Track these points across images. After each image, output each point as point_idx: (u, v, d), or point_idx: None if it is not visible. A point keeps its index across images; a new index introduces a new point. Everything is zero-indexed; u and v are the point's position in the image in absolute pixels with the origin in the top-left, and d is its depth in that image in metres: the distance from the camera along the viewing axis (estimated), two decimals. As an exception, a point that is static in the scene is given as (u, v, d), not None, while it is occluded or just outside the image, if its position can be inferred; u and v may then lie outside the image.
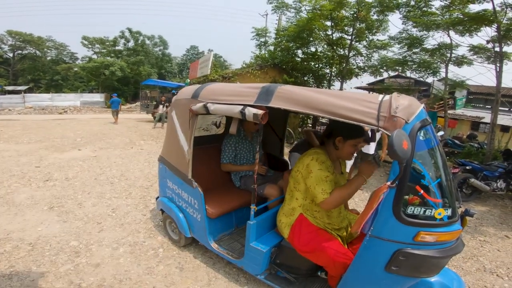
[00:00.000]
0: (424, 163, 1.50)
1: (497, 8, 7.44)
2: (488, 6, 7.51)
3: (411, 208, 1.46)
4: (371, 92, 21.33)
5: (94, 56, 34.13)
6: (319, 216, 1.94)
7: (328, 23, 10.36)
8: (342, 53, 11.00)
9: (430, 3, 8.82)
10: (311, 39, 10.65)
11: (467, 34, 8.44)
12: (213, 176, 2.89)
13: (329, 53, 11.13)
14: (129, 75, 31.27)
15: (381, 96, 1.50)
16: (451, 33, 8.74)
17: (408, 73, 11.25)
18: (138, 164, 5.93)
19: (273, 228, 2.30)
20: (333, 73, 11.59)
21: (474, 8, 8.13)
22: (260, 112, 1.73)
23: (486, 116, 15.65)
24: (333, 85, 11.80)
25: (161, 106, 11.83)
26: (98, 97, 26.25)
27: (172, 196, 2.80)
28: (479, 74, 28.06)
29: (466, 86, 10.45)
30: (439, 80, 11.66)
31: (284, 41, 11.25)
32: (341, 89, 11.07)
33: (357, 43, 10.83)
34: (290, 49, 11.31)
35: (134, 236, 3.07)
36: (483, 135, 13.38)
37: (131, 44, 35.02)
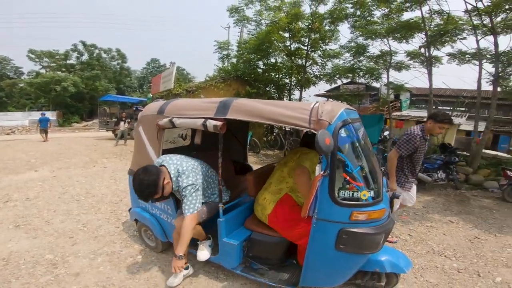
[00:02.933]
0: (346, 154, 1.89)
1: (426, 15, 8.57)
2: (419, 13, 8.57)
3: (342, 192, 1.84)
4: (328, 99, 22.74)
5: (43, 71, 31.81)
6: (302, 197, 2.29)
7: (286, 35, 11.04)
8: (300, 63, 11.72)
9: (373, 12, 9.82)
10: (271, 50, 11.23)
11: (404, 41, 9.47)
12: None
13: (288, 63, 11.80)
14: (84, 91, 29.55)
15: (313, 103, 1.89)
16: (391, 40, 9.70)
17: (359, 80, 12.31)
18: (103, 181, 5.82)
19: (242, 225, 2.58)
20: (292, 83, 12.28)
21: (408, 16, 9.28)
22: (219, 123, 2.05)
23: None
24: (293, 94, 12.48)
25: (122, 123, 11.55)
26: (49, 115, 24.42)
27: (145, 205, 2.96)
28: (416, 78, 31.42)
29: (406, 89, 11.69)
30: (385, 85, 12.98)
31: (245, 54, 11.71)
32: (300, 97, 11.77)
33: (313, 53, 11.62)
34: (252, 61, 11.79)
35: (110, 246, 3.14)
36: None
37: (84, 57, 33.31)
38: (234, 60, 12.78)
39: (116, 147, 10.88)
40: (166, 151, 3.42)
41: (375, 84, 12.66)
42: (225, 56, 12.74)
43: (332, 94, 15.40)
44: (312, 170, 2.17)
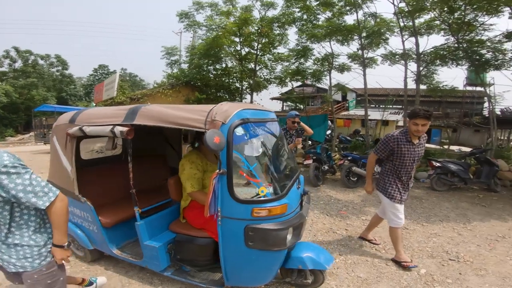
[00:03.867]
0: (243, 152, 1.96)
1: (362, 18, 9.22)
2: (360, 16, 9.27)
3: (241, 189, 1.89)
4: (282, 102, 23.40)
5: (-33, 80, 27.93)
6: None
7: (237, 39, 11.14)
8: (251, 67, 11.92)
9: (318, 16, 10.31)
10: (222, 55, 11.27)
11: (345, 43, 10.09)
12: (109, 191, 3.04)
13: (239, 68, 11.92)
14: (18, 101, 26.50)
15: (213, 106, 1.93)
16: (333, 43, 10.28)
17: (307, 81, 12.87)
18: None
19: (167, 228, 2.55)
20: (244, 87, 12.43)
21: (348, 18, 9.99)
22: (125, 129, 2.00)
23: (372, 114, 18.96)
24: (245, 98, 12.62)
25: None
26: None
27: None
28: (355, 79, 34.27)
29: (349, 89, 12.57)
30: (333, 86, 13.78)
31: (195, 59, 11.59)
32: (251, 100, 11.95)
33: (263, 57, 11.89)
34: (202, 66, 11.70)
35: None
36: (371, 130, 16.24)
37: (18, 64, 29.95)
38: (185, 66, 12.57)
39: (54, 162, 9.87)
40: (93, 161, 3.39)
41: (325, 86, 13.39)
42: (174, 62, 12.45)
43: (283, 97, 15.90)
44: (182, 171, 2.26)
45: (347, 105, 22.03)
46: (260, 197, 1.90)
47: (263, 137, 2.13)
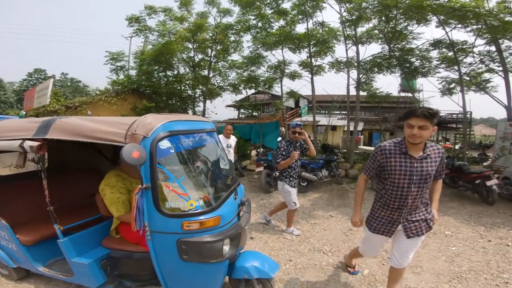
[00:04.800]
0: (167, 165, 1.87)
1: (312, 27, 9.62)
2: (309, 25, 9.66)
3: (168, 203, 1.84)
4: (237, 110, 23.49)
5: None
6: None
7: (190, 46, 10.85)
8: (204, 74, 11.68)
9: (272, 24, 10.50)
10: (174, 61, 10.89)
11: (296, 51, 10.42)
12: (29, 208, 2.86)
13: (191, 74, 11.63)
14: None
15: (135, 118, 1.84)
16: (285, 51, 10.55)
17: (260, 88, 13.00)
18: None
19: (100, 244, 2.38)
20: (196, 94, 12.17)
21: (300, 27, 10.44)
22: (36, 144, 1.81)
23: (322, 120, 20.07)
24: (198, 106, 12.36)
25: None
26: None
27: None
28: (304, 86, 35.97)
29: (298, 95, 13.05)
30: (286, 93, 14.18)
31: (144, 65, 11.05)
32: (204, 108, 11.74)
33: (217, 64, 11.73)
34: (152, 73, 11.18)
35: None
36: (320, 135, 17.14)
37: None
38: (133, 72, 11.88)
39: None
40: (11, 177, 3.14)
41: (279, 94, 13.69)
42: (120, 67, 11.69)
43: (237, 105, 15.97)
44: (104, 196, 2.17)
45: (300, 111, 23.01)
46: (189, 211, 1.84)
47: (193, 149, 2.08)
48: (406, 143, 1.96)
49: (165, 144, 1.82)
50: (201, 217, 1.84)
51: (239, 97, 13.99)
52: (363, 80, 10.00)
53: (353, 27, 9.10)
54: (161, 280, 1.96)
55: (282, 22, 10.33)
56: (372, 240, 2.36)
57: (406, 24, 8.53)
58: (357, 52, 9.16)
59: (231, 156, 5.35)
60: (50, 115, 8.64)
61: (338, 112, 21.17)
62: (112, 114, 9.53)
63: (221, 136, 5.10)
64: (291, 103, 19.74)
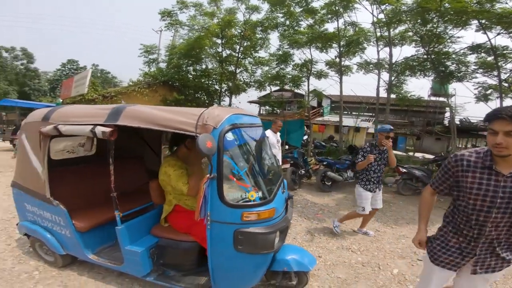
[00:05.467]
0: (233, 157, 1.97)
1: (342, 26, 9.52)
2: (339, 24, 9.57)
3: (231, 194, 1.91)
4: (259, 106, 23.56)
5: None
6: (190, 203, 2.34)
7: (219, 41, 11.02)
8: (231, 69, 11.83)
9: (300, 23, 10.49)
10: (203, 56, 11.09)
11: (324, 50, 10.35)
12: (83, 194, 2.89)
13: (219, 69, 11.78)
14: (-26, 95, 24.34)
15: (203, 109, 1.92)
16: (313, 50, 10.49)
17: (286, 87, 13.04)
18: (-6, 198, 4.88)
19: (149, 232, 2.48)
20: (223, 89, 12.34)
21: (329, 26, 10.19)
22: (108, 129, 1.93)
23: (345, 121, 19.68)
24: (223, 101, 12.54)
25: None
26: None
27: (34, 219, 2.71)
28: (331, 86, 35.11)
29: (323, 95, 12.94)
30: (311, 92, 14.12)
31: (175, 59, 11.31)
32: (230, 103, 11.91)
33: (244, 60, 11.85)
34: (182, 66, 11.44)
35: (0, 264, 2.74)
36: (344, 136, 16.90)
37: (-23, 57, 27.51)
38: (163, 65, 12.21)
39: (15, 159, 9.13)
40: (64, 161, 3.18)
41: (302, 92, 13.67)
42: (152, 60, 12.07)
43: (262, 101, 16.04)
44: (169, 177, 2.22)
45: (321, 111, 22.71)
46: (249, 202, 1.92)
47: (251, 142, 2.16)
48: (494, 155, 1.45)
49: (230, 136, 1.91)
50: (260, 209, 1.92)
51: (263, 93, 14.07)
52: (394, 82, 9.74)
53: (385, 28, 8.87)
54: (210, 270, 2.03)
55: (310, 21, 10.24)
56: (434, 277, 1.75)
57: (444, 27, 8.20)
58: (390, 54, 8.92)
59: (278, 152, 5.28)
60: (88, 103, 9.13)
61: (363, 113, 20.68)
62: (144, 104, 9.67)
63: (269, 131, 5.07)
64: (313, 102, 19.57)
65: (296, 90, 13.35)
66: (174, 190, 2.30)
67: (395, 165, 3.87)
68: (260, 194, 1.99)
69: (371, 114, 19.95)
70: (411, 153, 11.94)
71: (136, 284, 2.54)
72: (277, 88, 14.23)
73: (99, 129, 1.96)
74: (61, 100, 11.90)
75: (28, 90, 31.65)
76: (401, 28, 9.07)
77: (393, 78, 9.38)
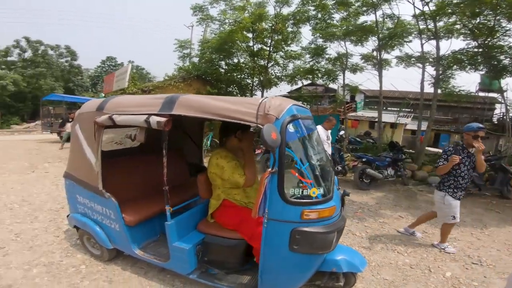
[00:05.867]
0: (295, 150, 1.82)
1: (380, 19, 9.10)
2: (375, 17, 9.12)
3: (292, 190, 1.78)
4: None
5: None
6: (239, 197, 2.28)
7: (250, 35, 10.98)
8: (262, 63, 11.76)
9: (333, 16, 10.17)
10: (234, 50, 11.10)
11: (359, 43, 9.96)
12: (130, 186, 2.89)
13: (250, 63, 11.76)
14: (25, 90, 26.51)
15: (261, 98, 1.83)
16: (347, 43, 10.17)
17: (318, 81, 12.74)
18: (43, 188, 5.25)
19: (195, 228, 2.43)
20: (254, 83, 12.29)
21: (364, 19, 9.77)
22: (163, 119, 1.89)
23: (383, 116, 18.71)
24: (255, 95, 12.49)
25: (68, 124, 10.58)
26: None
27: (84, 211, 2.74)
28: (369, 80, 33.46)
29: (359, 90, 12.39)
30: (342, 87, 13.62)
31: (207, 53, 11.44)
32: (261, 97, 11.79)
33: (275, 54, 11.70)
34: (214, 60, 11.54)
35: (48, 257, 2.85)
36: (375, 132, 16.08)
37: (28, 54, 29.90)
38: (196, 60, 12.44)
39: (62, 151, 9.90)
40: (111, 152, 3.24)
41: (333, 86, 13.28)
42: (186, 55, 12.33)
43: (293, 95, 15.75)
44: (222, 169, 2.15)
45: (354, 106, 21.81)
46: (311, 199, 1.80)
47: (308, 135, 2.04)
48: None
49: (292, 127, 1.79)
50: (321, 206, 1.80)
51: (294, 88, 13.86)
52: (441, 77, 8.99)
53: (429, 21, 8.20)
54: (260, 269, 1.95)
55: (343, 14, 9.84)
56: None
57: (497, 20, 7.41)
58: (437, 47, 8.21)
59: (329, 148, 5.18)
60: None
61: (398, 109, 19.64)
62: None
63: (320, 127, 4.95)
64: (346, 97, 18.87)
65: (327, 85, 12.98)
66: (225, 183, 2.23)
67: (483, 171, 3.49)
68: (321, 191, 1.86)
69: (409, 110, 18.79)
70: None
71: (178, 280, 2.52)
72: (309, 82, 13.96)
73: (153, 119, 1.94)
74: (104, 95, 12.62)
75: (72, 86, 34.02)
76: (447, 20, 8.34)
77: (440, 72, 8.66)
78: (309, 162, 1.94)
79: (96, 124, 2.30)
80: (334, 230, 1.85)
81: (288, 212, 1.76)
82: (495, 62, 8.24)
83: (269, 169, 1.67)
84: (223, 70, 11.94)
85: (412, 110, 18.86)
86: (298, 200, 1.79)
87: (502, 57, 8.20)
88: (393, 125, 13.75)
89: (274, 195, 1.73)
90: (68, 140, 10.51)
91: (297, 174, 1.80)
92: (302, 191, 1.80)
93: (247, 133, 2.23)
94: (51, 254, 2.90)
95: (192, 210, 2.49)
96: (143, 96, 2.44)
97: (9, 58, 29.61)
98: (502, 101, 9.39)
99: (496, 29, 7.55)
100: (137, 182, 2.97)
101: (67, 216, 3.00)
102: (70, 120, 10.72)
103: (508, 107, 9.32)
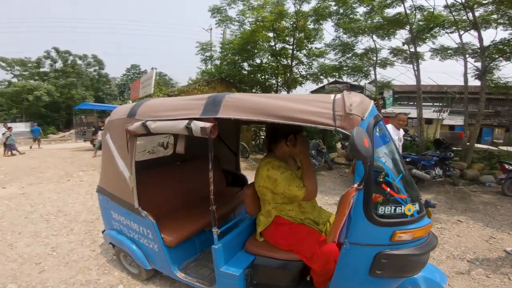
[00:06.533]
0: (384, 159, 1.49)
1: (408, 11, 8.57)
2: (401, 9, 8.60)
3: (382, 208, 1.44)
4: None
5: (14, 80, 29.96)
6: (294, 214, 1.95)
7: (271, 34, 10.73)
8: (285, 63, 11.44)
9: (356, 10, 9.76)
10: (256, 51, 10.90)
11: (386, 37, 9.48)
12: (166, 201, 2.65)
13: (273, 63, 11.47)
14: (59, 100, 27.98)
15: (332, 95, 1.48)
16: (374, 37, 9.76)
17: (344, 78, 12.21)
18: (78, 197, 5.25)
19: (241, 248, 2.14)
20: (279, 83, 11.96)
21: (389, 12, 9.28)
22: (208, 125, 1.58)
23: (412, 112, 17.74)
24: (280, 95, 12.20)
25: (100, 132, 10.87)
26: (23, 126, 23.03)
27: (120, 228, 2.51)
28: (401, 74, 31.78)
29: (391, 86, 11.72)
30: (369, 83, 12.93)
31: (229, 55, 11.28)
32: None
33: (298, 52, 11.37)
34: (236, 62, 11.38)
35: (85, 274, 2.68)
36: (412, 129, 15.14)
37: (58, 64, 31.64)
38: (217, 62, 12.36)
39: (95, 159, 10.15)
40: (142, 163, 2.93)
41: (361, 82, 12.63)
42: (208, 57, 12.26)
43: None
44: (275, 182, 1.82)
45: (381, 102, 20.73)
46: (406, 217, 1.45)
47: (391, 139, 1.65)
48: None
49: (379, 130, 1.44)
50: (416, 225, 1.45)
51: (312, 87, 13.47)
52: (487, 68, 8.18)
53: (464, 11, 7.47)
54: None
55: (366, 8, 9.37)
56: None
57: None
58: (480, 38, 7.43)
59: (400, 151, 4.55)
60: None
61: (431, 103, 18.47)
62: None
63: (390, 126, 4.43)
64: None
65: (352, 82, 12.43)
66: (277, 198, 1.90)
67: None
68: (417, 207, 1.49)
69: (445, 104, 17.53)
70: (503, 148, 9.97)
71: None
72: (333, 80, 13.46)
73: (196, 125, 1.62)
74: (131, 101, 12.87)
75: (102, 94, 35.60)
76: (485, 10, 7.54)
77: (486, 63, 7.87)
78: (401, 172, 1.57)
79: (128, 132, 2.04)
80: (428, 251, 1.51)
81: (375, 235, 1.44)
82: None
83: (355, 185, 1.33)
84: (245, 72, 11.74)
85: (447, 104, 17.56)
86: (389, 221, 1.45)
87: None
88: (428, 121, 12.82)
89: (358, 215, 1.41)
90: (100, 148, 10.82)
91: (389, 189, 1.43)
92: (395, 209, 1.44)
93: (300, 137, 1.88)
94: (88, 271, 2.75)
95: (239, 228, 2.19)
96: (180, 98, 2.14)
97: (41, 69, 31.43)
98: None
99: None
100: (172, 196, 2.72)
101: (103, 232, 2.84)
102: (101, 128, 11.02)
103: None
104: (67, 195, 5.35)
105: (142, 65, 49.28)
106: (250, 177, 2.81)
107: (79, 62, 33.28)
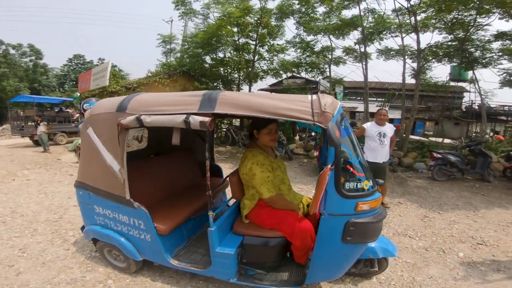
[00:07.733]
0: (348, 146, 1.92)
1: (362, 13, 9.45)
2: (356, 11, 9.50)
3: (347, 184, 1.84)
4: (271, 93, 23.40)
5: None
6: None
7: (235, 29, 10.85)
8: (247, 57, 11.69)
9: (316, 10, 10.43)
10: (220, 45, 10.94)
11: (341, 37, 10.38)
12: (151, 191, 2.73)
13: (236, 58, 11.62)
14: (-13, 92, 24.46)
15: (309, 96, 1.84)
16: (331, 37, 10.54)
17: (303, 74, 12.94)
18: (31, 197, 4.86)
19: (230, 231, 2.36)
20: (241, 77, 12.18)
21: (346, 13, 10.12)
22: (207, 119, 1.79)
23: (359, 106, 19.49)
24: (241, 89, 12.42)
25: (40, 127, 10.01)
26: None
27: (105, 222, 2.49)
28: (352, 72, 34.69)
29: (343, 82, 12.82)
30: (323, 79, 13.91)
31: (192, 48, 11.13)
32: (249, 91, 11.78)
33: (261, 48, 11.71)
34: (199, 55, 11.30)
35: (68, 273, 2.61)
36: (359, 122, 16.65)
37: (-14, 55, 27.51)
38: (178, 55, 12.06)
39: (38, 155, 9.21)
40: (132, 155, 2.95)
41: (313, 79, 13.53)
42: (170, 50, 11.91)
43: (277, 88, 15.81)
44: (253, 176, 2.11)
45: (336, 97, 22.38)
46: (364, 191, 1.88)
47: (351, 130, 2.11)
48: None
49: (344, 124, 1.88)
50: (371, 198, 1.89)
51: (271, 81, 13.97)
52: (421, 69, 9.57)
53: (408, 15, 8.65)
54: (311, 264, 1.99)
55: (325, 8, 10.09)
56: None
57: (469, 14, 7.99)
58: (418, 41, 8.64)
59: (386, 148, 4.24)
60: (110, 96, 9.08)
61: (375, 99, 20.42)
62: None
63: (369, 124, 4.40)
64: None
65: (308, 77, 13.24)
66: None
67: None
68: (371, 182, 1.94)
69: (386, 100, 19.64)
70: (433, 139, 11.74)
71: (212, 285, 2.45)
72: (290, 75, 14.14)
73: (195, 119, 1.80)
74: (79, 94, 11.87)
75: (38, 86, 31.64)
76: (425, 15, 8.84)
77: (421, 64, 9.21)
78: (359, 156, 2.01)
79: (120, 126, 2.11)
80: (382, 219, 1.96)
81: (344, 206, 1.82)
82: (467, 55, 8.87)
83: (329, 166, 1.69)
84: (208, 65, 11.69)
85: (388, 100, 19.66)
86: (353, 194, 1.85)
87: (472, 49, 8.92)
88: (372, 115, 14.26)
89: (331, 191, 1.78)
90: (41, 143, 9.93)
91: (352, 169, 1.86)
92: (357, 185, 1.87)
93: (262, 132, 2.20)
94: (69, 270, 2.67)
95: (227, 212, 2.38)
96: (174, 94, 2.27)
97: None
98: (473, 91, 10.17)
99: (467, 23, 8.08)
100: (156, 187, 2.80)
101: (81, 228, 2.76)
102: (37, 122, 10.27)
103: (484, 96, 10.12)
104: (17, 195, 4.92)
105: (89, 56, 44.77)
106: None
107: (12, 51, 29.23)
